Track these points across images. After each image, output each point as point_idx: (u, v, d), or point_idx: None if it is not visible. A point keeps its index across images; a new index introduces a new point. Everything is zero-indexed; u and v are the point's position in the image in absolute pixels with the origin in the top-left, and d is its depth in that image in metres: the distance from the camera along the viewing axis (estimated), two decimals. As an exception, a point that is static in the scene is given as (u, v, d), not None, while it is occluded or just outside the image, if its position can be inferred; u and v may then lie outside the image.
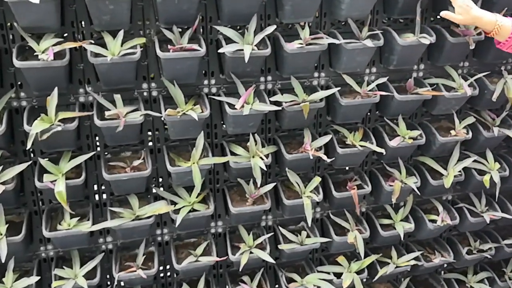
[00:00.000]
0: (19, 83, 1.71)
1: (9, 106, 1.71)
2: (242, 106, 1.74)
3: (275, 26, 1.75)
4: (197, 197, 1.87)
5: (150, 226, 1.84)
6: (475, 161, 2.14)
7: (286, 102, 1.81)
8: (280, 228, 2.08)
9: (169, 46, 1.66)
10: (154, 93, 1.83)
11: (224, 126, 1.95)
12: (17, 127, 1.75)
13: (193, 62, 1.70)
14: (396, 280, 2.41)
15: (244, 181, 1.91)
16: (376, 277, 2.14)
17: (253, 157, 1.84)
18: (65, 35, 1.69)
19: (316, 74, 1.96)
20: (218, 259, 1.93)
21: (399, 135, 2.00)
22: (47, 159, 1.72)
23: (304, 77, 1.93)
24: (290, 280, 2.09)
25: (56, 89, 1.60)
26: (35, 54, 1.56)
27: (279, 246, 2.02)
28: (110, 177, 1.74)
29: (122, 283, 2.02)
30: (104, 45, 1.62)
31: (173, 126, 1.76)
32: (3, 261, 1.66)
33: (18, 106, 1.73)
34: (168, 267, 2.15)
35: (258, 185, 1.86)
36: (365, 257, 2.09)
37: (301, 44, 1.75)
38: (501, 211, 2.27)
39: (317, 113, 2.03)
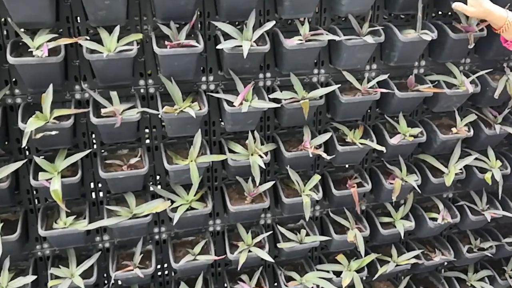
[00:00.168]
0: (13, 79, 1.68)
1: (3, 103, 1.68)
2: (241, 103, 1.71)
3: (274, 22, 1.72)
4: (195, 195, 1.85)
5: (147, 224, 1.82)
6: (476, 159, 2.12)
7: (285, 99, 1.79)
8: (279, 226, 2.05)
9: (166, 42, 1.64)
10: (151, 90, 1.80)
11: (222, 123, 1.92)
12: (12, 125, 1.72)
13: (190, 59, 1.67)
14: (396, 279, 2.40)
15: (243, 179, 1.89)
16: (376, 276, 2.13)
17: (251, 155, 1.82)
18: (60, 31, 1.66)
19: (315, 71, 1.94)
20: (216, 258, 1.91)
21: (399, 133, 1.98)
22: (43, 157, 1.70)
23: (304, 73, 1.91)
24: (289, 279, 2.07)
25: (51, 86, 1.58)
26: (29, 50, 1.54)
27: (278, 245, 2.00)
28: (106, 175, 1.72)
29: (119, 282, 2.00)
30: (100, 41, 1.60)
31: (171, 124, 1.74)
32: (-2, 260, 1.65)
33: (12, 103, 1.70)
34: (165, 265, 2.13)
35: (257, 183, 1.83)
36: (365, 255, 2.08)
37: (301, 40, 1.73)
38: (502, 209, 2.25)
39: (316, 111, 2.00)
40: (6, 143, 1.75)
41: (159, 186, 1.95)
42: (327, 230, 2.11)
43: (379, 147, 1.92)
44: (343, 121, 1.99)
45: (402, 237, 2.11)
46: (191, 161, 1.75)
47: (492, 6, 1.75)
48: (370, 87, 1.88)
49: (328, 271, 2.09)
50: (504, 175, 2.13)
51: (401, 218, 2.15)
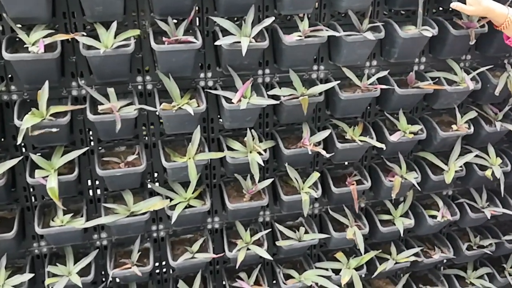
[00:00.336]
0: (9, 76, 1.66)
1: (-1, 99, 1.67)
2: (239, 100, 1.69)
3: (273, 18, 1.70)
4: (193, 193, 1.84)
5: (145, 222, 1.81)
6: (476, 156, 2.11)
7: (284, 96, 1.77)
8: (278, 224, 2.04)
9: (164, 38, 1.62)
10: (149, 87, 1.79)
11: (220, 120, 1.91)
12: (8, 121, 1.70)
13: (188, 55, 1.65)
14: (395, 276, 2.39)
15: (241, 176, 1.87)
16: (375, 273, 2.12)
17: (250, 152, 1.80)
18: (57, 26, 1.64)
19: (315, 67, 1.92)
20: (214, 255, 1.90)
21: (399, 130, 1.97)
22: (39, 154, 1.68)
23: (303, 70, 1.89)
24: (288, 277, 2.06)
25: (47, 82, 1.56)
26: (25, 46, 1.52)
27: (277, 243, 1.99)
28: (103, 172, 1.70)
29: (117, 280, 1.99)
30: (97, 37, 1.58)
31: (169, 121, 1.72)
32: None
33: (8, 99, 1.68)
34: (164, 263, 2.12)
35: (256, 181, 1.82)
36: (364, 253, 2.07)
37: (300, 36, 1.71)
38: (502, 207, 2.24)
39: (316, 107, 1.99)
40: (2, 140, 1.74)
41: (157, 184, 1.94)
42: (326, 228, 2.10)
43: (378, 144, 1.91)
44: (343, 118, 1.98)
45: (402, 235, 2.10)
46: (189, 158, 1.74)
47: (491, 4, 1.73)
48: (370, 84, 1.87)
49: (327, 269, 2.08)
50: (504, 172, 2.12)
51: (401, 216, 2.14)
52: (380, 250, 2.18)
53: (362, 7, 1.82)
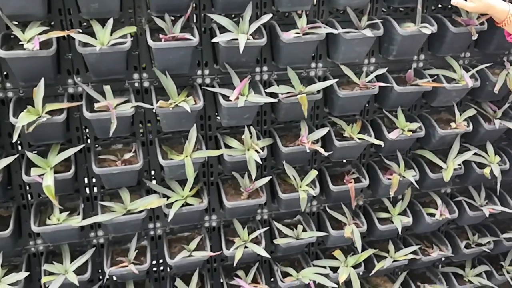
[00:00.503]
0: (5, 73, 1.65)
1: (-6, 97, 1.66)
2: (237, 98, 1.68)
3: (271, 15, 1.69)
4: (190, 191, 1.83)
5: (142, 220, 1.80)
6: (475, 154, 2.10)
7: (282, 94, 1.76)
8: (276, 222, 2.03)
9: (160, 35, 1.60)
10: (146, 84, 1.77)
11: (218, 118, 1.90)
12: (3, 119, 1.69)
13: (185, 52, 1.64)
14: (393, 274, 2.39)
15: (239, 174, 1.86)
16: (373, 271, 2.12)
17: (248, 150, 1.80)
18: (52, 23, 1.62)
19: (313, 65, 1.91)
20: (212, 254, 1.89)
21: (398, 128, 1.96)
22: (35, 151, 1.68)
23: (301, 67, 1.88)
24: (285, 275, 2.06)
25: (42, 79, 1.54)
26: (20, 43, 1.51)
27: (275, 241, 1.99)
28: (100, 170, 1.69)
29: (114, 278, 1.99)
30: (93, 34, 1.56)
31: (165, 118, 1.71)
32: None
33: (4, 97, 1.67)
34: (161, 261, 2.11)
35: (253, 179, 1.81)
36: (362, 251, 2.06)
37: (298, 33, 1.70)
38: (500, 205, 2.24)
39: (314, 105, 1.98)
40: (-2, 137, 1.73)
41: (154, 182, 1.93)
42: (324, 226, 2.09)
43: (377, 142, 1.90)
44: (341, 115, 1.97)
45: (400, 233, 2.10)
46: (186, 156, 1.73)
47: (492, 0, 1.72)
48: (368, 81, 1.86)
49: (325, 267, 2.08)
50: (502, 170, 2.12)
51: (399, 214, 2.14)
52: (378, 248, 2.18)
53: (361, 4, 1.81)
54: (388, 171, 2.06)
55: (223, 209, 1.96)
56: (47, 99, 1.59)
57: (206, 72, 1.81)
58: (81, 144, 1.77)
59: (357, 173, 2.06)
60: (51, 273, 1.77)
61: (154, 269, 2.11)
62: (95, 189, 1.90)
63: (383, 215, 2.15)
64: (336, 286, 2.03)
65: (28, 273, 1.76)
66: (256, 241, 1.95)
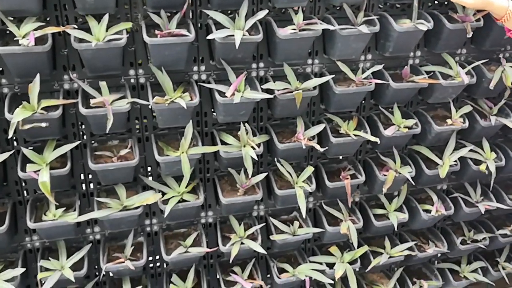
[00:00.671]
0: (0, 69, 1.64)
1: (-10, 93, 1.65)
2: (233, 94, 1.68)
3: (267, 11, 1.69)
4: (186, 187, 1.83)
5: (138, 216, 1.80)
6: (471, 150, 2.10)
7: (278, 90, 1.76)
8: (272, 218, 2.04)
9: (156, 31, 1.60)
10: (142, 80, 1.77)
11: (214, 114, 1.89)
12: (-1, 115, 1.69)
13: (181, 48, 1.64)
14: (389, 270, 2.40)
15: (235, 170, 1.86)
16: (369, 267, 2.12)
17: (244, 146, 1.79)
18: (48, 19, 1.62)
19: (309, 61, 1.91)
20: (208, 250, 1.89)
21: (394, 124, 1.96)
22: (31, 148, 1.67)
23: (297, 64, 1.88)
24: (282, 271, 2.06)
25: (38, 75, 1.54)
26: (15, 39, 1.50)
27: (271, 237, 1.99)
28: (96, 166, 1.69)
29: (110, 274, 1.99)
30: (88, 30, 1.56)
31: (161, 114, 1.71)
32: (-14, 252, 1.62)
33: (-1, 93, 1.67)
34: (157, 257, 2.11)
35: (250, 175, 1.81)
36: (358, 247, 2.07)
37: (294, 29, 1.69)
38: (496, 201, 2.24)
39: (310, 101, 1.98)
40: (-6, 133, 1.72)
41: (150, 178, 1.93)
42: (320, 222, 2.10)
43: (373, 139, 1.90)
44: (337, 112, 1.97)
45: (396, 229, 2.10)
46: (182, 152, 1.73)
47: None
48: (364, 78, 1.86)
49: (321, 263, 2.08)
50: (498, 167, 2.12)
51: (395, 210, 2.14)
52: (374, 245, 2.19)
53: (357, 1, 1.81)
54: (384, 167, 2.07)
55: (220, 206, 1.96)
56: (42, 95, 1.58)
57: (202, 68, 1.81)
58: (77, 140, 1.77)
59: (353, 170, 2.06)
60: (47, 269, 1.76)
61: (151, 265, 2.11)
62: (91, 185, 1.90)
63: (379, 211, 2.15)
64: (332, 282, 2.04)
65: (24, 269, 1.75)
66: (253, 237, 1.95)
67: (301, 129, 1.87)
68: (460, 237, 2.33)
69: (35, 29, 1.50)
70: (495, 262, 2.48)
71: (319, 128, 1.89)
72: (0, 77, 1.65)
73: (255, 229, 1.95)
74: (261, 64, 1.86)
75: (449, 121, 2.02)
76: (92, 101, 1.61)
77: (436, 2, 1.98)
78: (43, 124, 1.56)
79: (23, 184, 1.82)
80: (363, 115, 2.07)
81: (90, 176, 1.89)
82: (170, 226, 2.03)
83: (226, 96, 1.68)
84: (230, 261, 1.89)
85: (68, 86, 1.71)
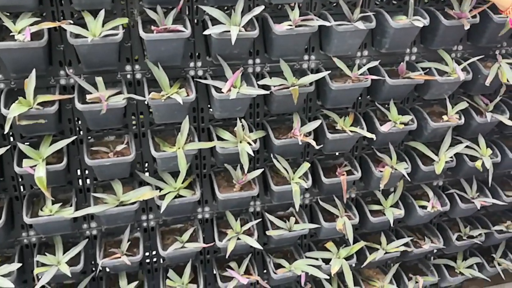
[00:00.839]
0: (-4, 64, 1.64)
1: (-14, 88, 1.65)
2: (229, 90, 1.68)
3: (263, 7, 1.69)
4: (183, 183, 1.83)
5: (135, 212, 1.80)
6: (467, 146, 2.11)
7: (274, 86, 1.76)
8: (268, 214, 2.04)
9: (152, 27, 1.60)
10: (138, 76, 1.77)
11: (210, 110, 1.90)
12: (-5, 110, 1.69)
13: (178, 44, 1.64)
14: (385, 266, 2.40)
15: (232, 166, 1.87)
16: (365, 263, 2.13)
17: (240, 142, 1.80)
18: (44, 14, 1.62)
19: (306, 57, 1.91)
20: (204, 245, 1.90)
21: (390, 120, 1.96)
22: (27, 143, 1.67)
23: (294, 60, 1.88)
24: (278, 266, 2.07)
25: (34, 71, 1.54)
26: (11, 34, 1.50)
27: (267, 232, 2.00)
28: (92, 162, 1.69)
29: (107, 269, 1.99)
30: (84, 26, 1.56)
31: (158, 110, 1.71)
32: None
33: (-5, 88, 1.67)
34: (154, 253, 2.11)
35: (246, 171, 1.82)
36: (354, 243, 2.08)
37: (291, 25, 1.70)
38: (492, 197, 2.25)
39: (307, 98, 1.98)
40: (-10, 129, 1.72)
41: (146, 173, 1.93)
42: (316, 218, 2.10)
43: (369, 135, 1.90)
44: (334, 108, 1.98)
45: (392, 225, 2.11)
46: (179, 148, 1.73)
47: None
48: (360, 74, 1.86)
49: (317, 259, 2.09)
50: (494, 163, 2.13)
51: (391, 206, 2.15)
52: (370, 240, 2.20)
53: (354, -3, 1.81)
54: (380, 163, 2.07)
55: (216, 201, 1.97)
56: (38, 90, 1.58)
57: (199, 64, 1.81)
58: (73, 135, 1.77)
59: (349, 166, 2.07)
60: (43, 264, 1.77)
61: (147, 260, 2.12)
62: (88, 180, 1.90)
63: (375, 207, 2.16)
64: (328, 277, 2.05)
65: (20, 264, 1.76)
66: (249, 233, 1.96)
67: (298, 125, 1.87)
68: (456, 233, 2.34)
69: (31, 25, 1.50)
70: (490, 258, 2.49)
71: (315, 124, 1.89)
72: (-4, 72, 1.65)
73: (251, 224, 1.96)
74: (258, 60, 1.87)
75: (445, 117, 2.02)
76: (88, 96, 1.61)
77: (432, -2, 1.99)
78: (42, 121, 1.56)
79: (20, 179, 1.83)
80: (360, 111, 2.07)
81: (86, 172, 1.89)
82: (167, 221, 2.03)
83: (222, 92, 1.68)
84: (227, 257, 1.91)
85: (64, 81, 1.71)
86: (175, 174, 1.83)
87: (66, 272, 1.73)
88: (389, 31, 1.84)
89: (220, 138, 1.83)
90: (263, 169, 1.93)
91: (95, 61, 1.63)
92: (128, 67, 1.75)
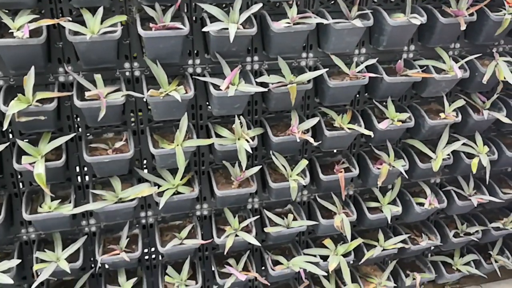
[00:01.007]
0: (-5, 61, 1.65)
1: (-15, 85, 1.65)
2: (227, 87, 1.69)
3: (261, 4, 1.70)
4: (181, 180, 1.84)
5: (133, 208, 1.81)
6: (464, 144, 2.12)
7: (272, 83, 1.77)
8: (266, 211, 2.05)
9: (151, 24, 1.61)
10: (137, 73, 1.78)
11: (209, 107, 1.90)
12: (-6, 107, 1.69)
13: (176, 41, 1.64)
14: (383, 263, 2.42)
15: (230, 163, 1.88)
16: (363, 260, 2.14)
17: (238, 139, 1.81)
18: (42, 11, 1.62)
19: (304, 55, 1.92)
20: (203, 242, 1.91)
21: (388, 118, 1.97)
22: (26, 140, 1.68)
23: (292, 57, 1.89)
24: (276, 263, 2.08)
25: (33, 68, 1.55)
26: (10, 31, 1.51)
27: (265, 229, 2.00)
28: (91, 159, 1.70)
29: (106, 266, 2.00)
30: (83, 23, 1.56)
31: (156, 107, 1.72)
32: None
33: (-6, 85, 1.67)
34: (152, 249, 2.12)
35: (244, 168, 1.82)
36: (352, 240, 2.09)
37: (289, 23, 1.70)
38: (489, 195, 2.26)
39: (305, 95, 1.99)
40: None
41: (145, 170, 1.94)
42: (314, 215, 2.11)
43: (367, 132, 1.91)
44: (332, 105, 1.98)
45: (389, 222, 2.12)
46: (177, 145, 1.74)
47: None
48: (358, 72, 1.87)
49: (315, 255, 2.10)
50: (491, 161, 2.14)
51: (388, 203, 2.16)
52: (368, 237, 2.21)
53: (351, -6, 1.82)
54: (378, 161, 2.08)
55: (214, 198, 1.97)
56: (37, 87, 1.59)
57: (197, 61, 1.82)
58: (72, 132, 1.78)
59: (347, 163, 2.08)
60: (43, 261, 1.78)
61: (146, 257, 2.13)
62: (87, 177, 1.91)
63: (373, 204, 2.17)
64: (326, 274, 2.06)
65: (20, 260, 1.77)
66: (247, 229, 1.97)
67: (296, 122, 1.88)
68: (453, 230, 2.35)
69: (30, 22, 1.51)
70: (487, 255, 2.50)
71: (313, 121, 1.90)
72: (-5, 69, 1.65)
73: (249, 221, 1.97)
74: (256, 58, 1.87)
75: (442, 115, 2.03)
76: (87, 93, 1.61)
77: (430, -4, 2.00)
78: (42, 117, 1.56)
79: (19, 176, 1.83)
80: (357, 109, 2.08)
81: (85, 169, 1.90)
82: (165, 218, 2.04)
83: (220, 89, 1.69)
84: (225, 253, 1.92)
85: (63, 78, 1.71)
86: (173, 171, 1.84)
87: (65, 268, 1.74)
88: (387, 29, 1.84)
89: (218, 135, 1.83)
90: (261, 166, 1.94)
91: (93, 58, 1.63)
92: (126, 65, 1.76)
